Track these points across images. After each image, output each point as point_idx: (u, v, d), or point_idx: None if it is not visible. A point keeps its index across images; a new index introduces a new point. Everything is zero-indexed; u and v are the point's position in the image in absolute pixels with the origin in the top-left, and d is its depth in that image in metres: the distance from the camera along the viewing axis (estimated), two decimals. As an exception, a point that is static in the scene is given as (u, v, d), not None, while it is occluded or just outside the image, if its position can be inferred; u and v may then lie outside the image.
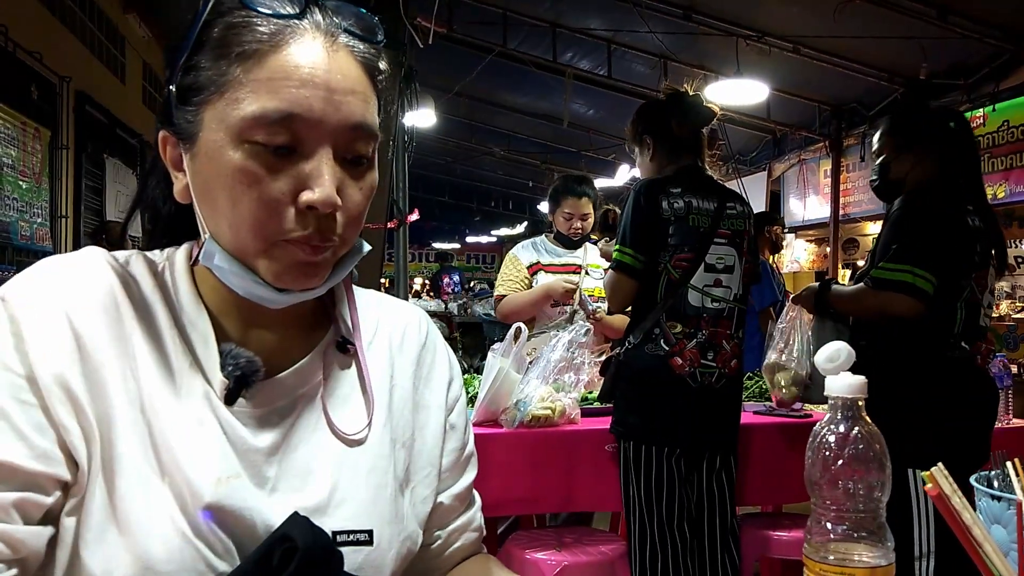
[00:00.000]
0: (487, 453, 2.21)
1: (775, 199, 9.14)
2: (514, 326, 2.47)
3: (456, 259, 19.90)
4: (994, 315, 2.24)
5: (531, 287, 3.13)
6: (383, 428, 0.76)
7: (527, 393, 2.31)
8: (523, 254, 3.20)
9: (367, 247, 0.73)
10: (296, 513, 0.66)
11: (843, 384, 0.69)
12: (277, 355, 0.72)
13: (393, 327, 0.82)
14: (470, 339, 8.49)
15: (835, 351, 0.71)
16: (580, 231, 3.15)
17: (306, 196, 0.63)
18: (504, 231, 18.57)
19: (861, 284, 2.11)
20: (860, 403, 0.69)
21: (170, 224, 0.76)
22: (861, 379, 0.68)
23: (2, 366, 0.62)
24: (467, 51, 6.87)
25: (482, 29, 6.55)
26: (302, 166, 0.63)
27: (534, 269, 3.15)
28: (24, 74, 4.73)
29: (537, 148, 10.74)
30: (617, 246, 2.18)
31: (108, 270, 0.69)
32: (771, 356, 2.39)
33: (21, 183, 4.63)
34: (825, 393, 0.69)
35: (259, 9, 0.64)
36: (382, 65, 0.70)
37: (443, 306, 11.18)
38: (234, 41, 0.64)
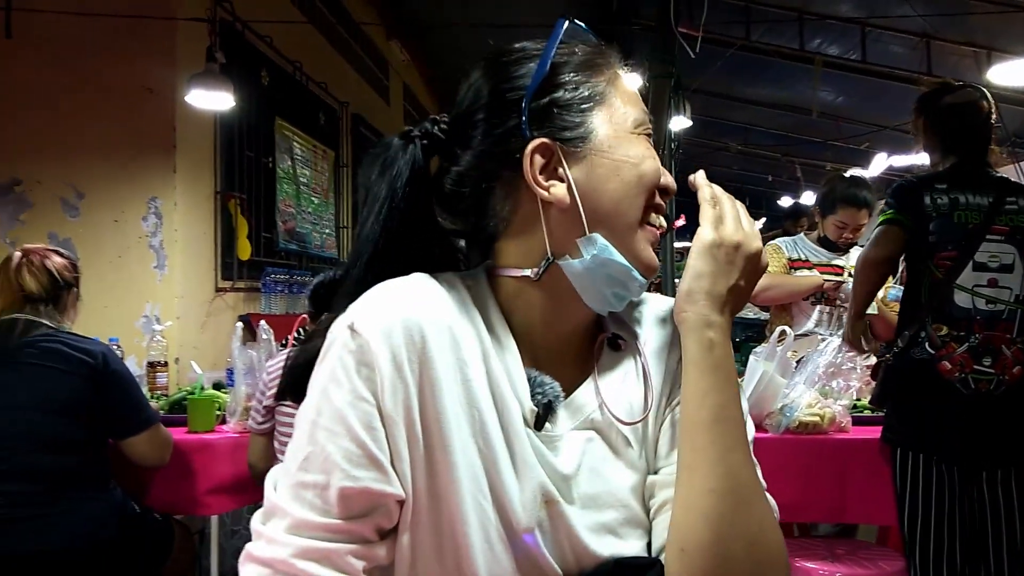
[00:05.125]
0: (751, 457, 2.22)
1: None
2: (778, 329, 2.43)
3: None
4: None
5: None
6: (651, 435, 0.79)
7: (793, 398, 2.28)
8: (784, 246, 3.07)
9: None
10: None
11: None
12: (569, 373, 0.77)
13: (656, 323, 0.84)
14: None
15: None
16: (851, 241, 2.97)
17: (665, 179, 0.76)
18: (739, 227, 17.94)
19: None
20: None
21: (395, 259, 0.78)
22: None
23: (357, 396, 0.69)
24: (705, 46, 6.77)
25: (724, 24, 6.42)
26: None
27: (795, 264, 3.01)
28: (313, 103, 5.44)
29: (776, 140, 10.28)
30: (883, 212, 2.14)
31: (444, 298, 0.74)
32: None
33: (314, 199, 5.34)
34: None
35: (595, 37, 0.80)
36: None
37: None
38: (601, 63, 0.77)
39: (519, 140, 0.73)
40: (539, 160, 0.73)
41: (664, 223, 0.77)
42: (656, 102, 1.94)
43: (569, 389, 0.76)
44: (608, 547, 0.73)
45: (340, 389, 0.70)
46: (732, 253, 0.72)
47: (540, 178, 0.73)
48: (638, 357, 0.81)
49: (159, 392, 2.79)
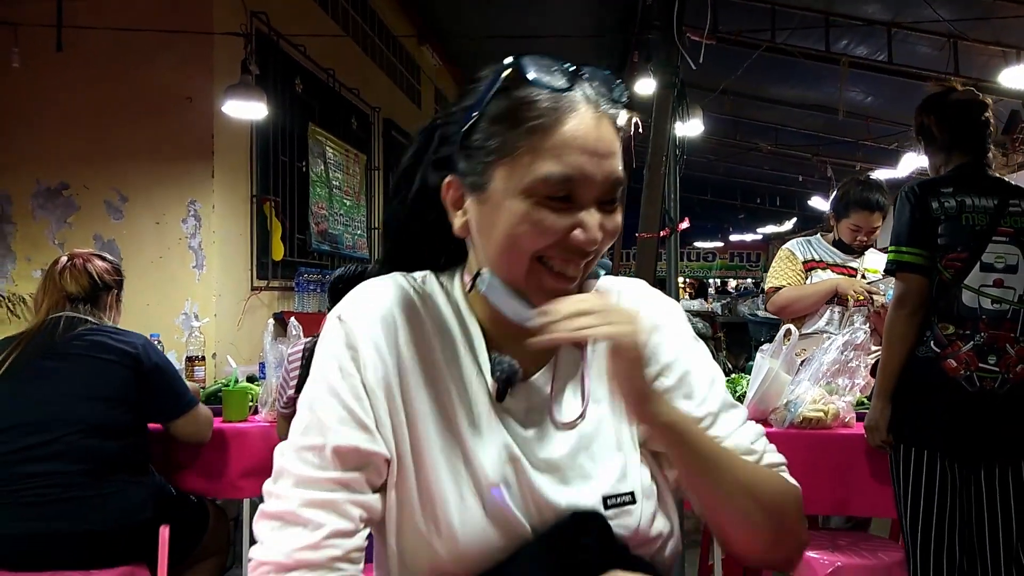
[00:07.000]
0: (757, 451, 2.29)
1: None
2: (784, 327, 2.50)
3: (719, 258, 19.47)
4: None
5: (806, 283, 3.03)
6: (607, 409, 0.88)
7: (798, 394, 2.35)
8: (797, 250, 3.10)
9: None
10: (599, 515, 0.82)
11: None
12: (529, 357, 0.85)
13: None
14: (734, 339, 8.34)
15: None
16: (865, 243, 3.00)
17: (578, 235, 0.77)
18: (771, 228, 17.80)
19: None
20: None
21: (409, 246, 0.93)
22: None
23: (345, 372, 0.83)
24: (732, 48, 6.79)
25: (749, 25, 6.44)
26: (575, 213, 0.77)
27: (810, 266, 3.05)
28: (346, 108, 5.60)
29: (807, 140, 10.21)
30: (893, 248, 2.13)
31: (417, 293, 0.88)
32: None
33: (346, 201, 5.50)
34: None
35: (542, 85, 0.78)
36: (623, 121, 0.83)
37: (706, 306, 11.08)
38: (523, 116, 0.77)
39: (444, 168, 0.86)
40: (453, 193, 0.85)
41: (566, 271, 0.79)
42: (660, 110, 2.02)
43: (530, 374, 0.87)
44: (565, 498, 0.83)
45: (332, 368, 0.83)
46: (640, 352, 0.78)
47: (450, 207, 0.85)
48: (584, 363, 0.89)
49: (197, 384, 2.95)
